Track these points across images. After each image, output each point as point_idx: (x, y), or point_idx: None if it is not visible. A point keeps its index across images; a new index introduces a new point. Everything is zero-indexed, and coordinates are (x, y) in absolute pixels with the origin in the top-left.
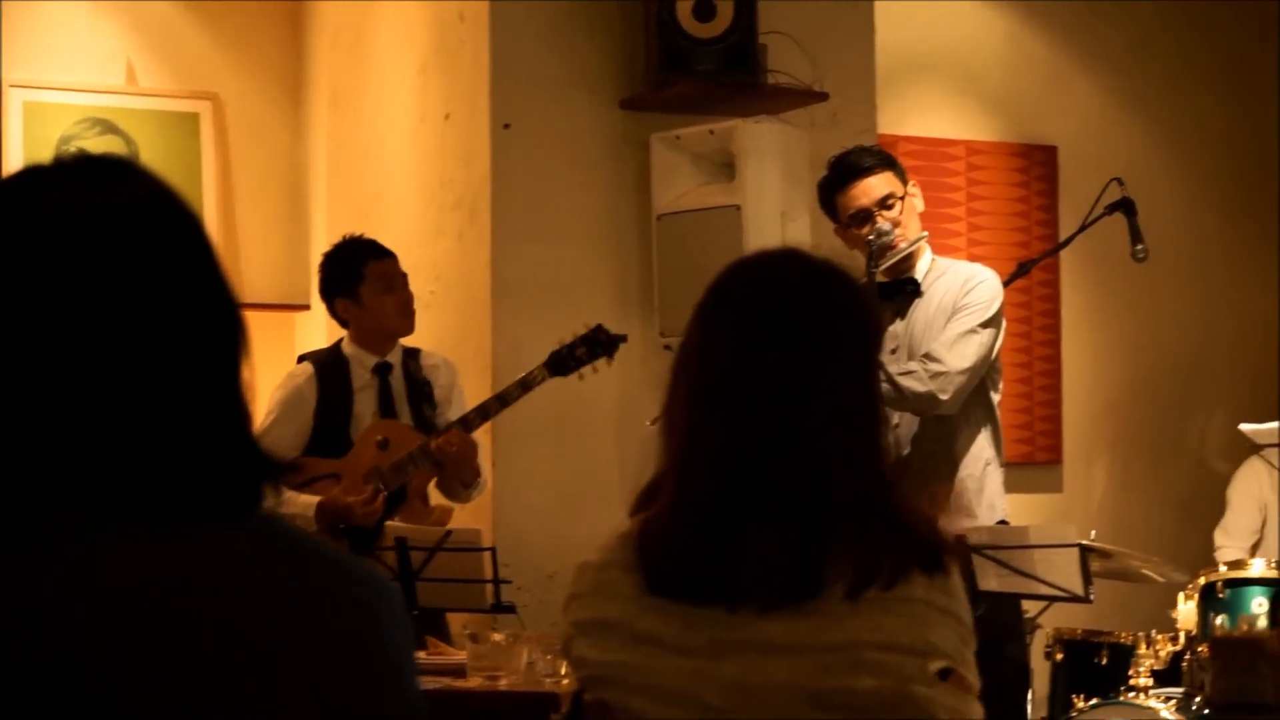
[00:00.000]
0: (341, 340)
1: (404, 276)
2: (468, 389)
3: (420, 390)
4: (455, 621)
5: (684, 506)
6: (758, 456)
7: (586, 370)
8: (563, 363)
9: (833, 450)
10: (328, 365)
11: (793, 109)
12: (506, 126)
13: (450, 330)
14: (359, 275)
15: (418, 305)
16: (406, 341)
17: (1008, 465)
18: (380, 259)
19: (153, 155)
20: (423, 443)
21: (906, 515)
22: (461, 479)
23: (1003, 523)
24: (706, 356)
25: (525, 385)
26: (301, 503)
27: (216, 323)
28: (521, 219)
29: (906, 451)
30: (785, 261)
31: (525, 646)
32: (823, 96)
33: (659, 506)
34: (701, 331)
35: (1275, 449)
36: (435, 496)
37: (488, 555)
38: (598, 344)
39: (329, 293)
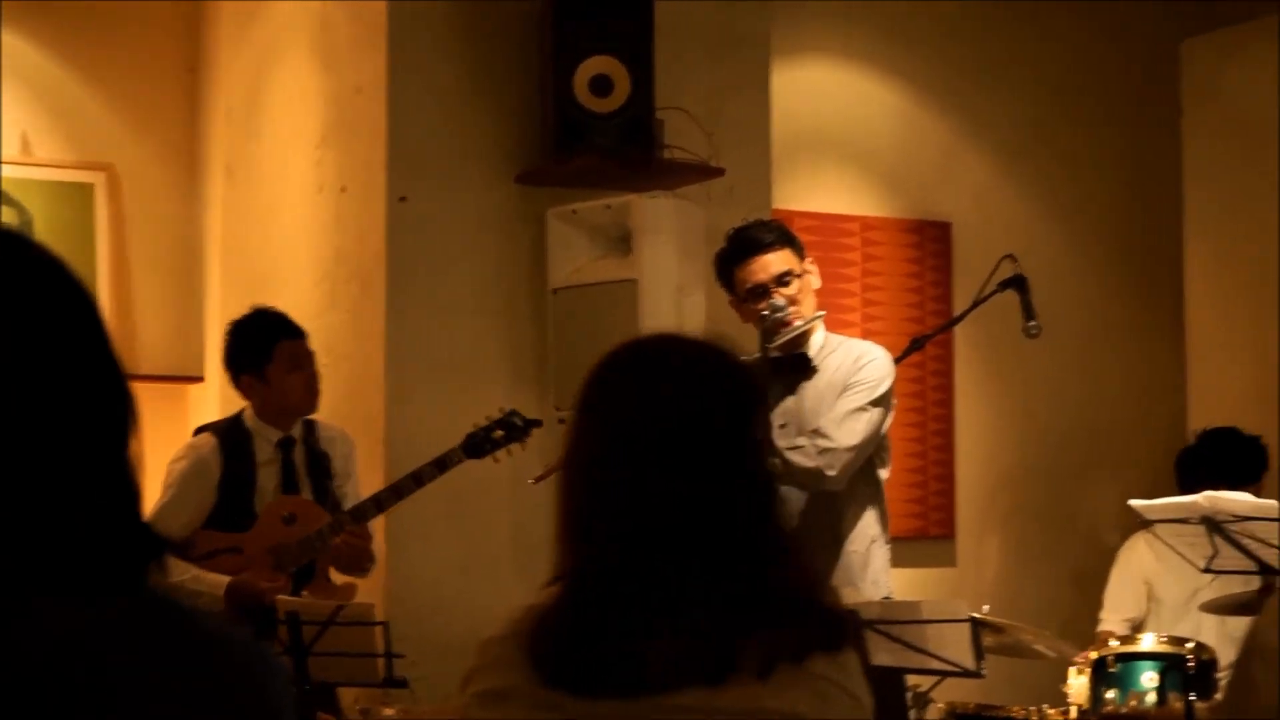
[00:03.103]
0: (243, 412)
1: (311, 355)
2: (360, 462)
3: (320, 464)
4: (347, 695)
5: (581, 599)
6: (657, 542)
7: (501, 454)
8: (479, 445)
9: (733, 531)
10: (230, 437)
11: (689, 184)
12: (403, 200)
13: (343, 403)
14: (267, 355)
15: None
16: None
17: (901, 539)
18: (292, 338)
19: (47, 226)
20: (330, 522)
21: (810, 592)
22: (354, 572)
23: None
24: (593, 442)
25: (441, 465)
26: (210, 582)
27: (103, 396)
28: (417, 292)
29: (793, 526)
30: (667, 344)
31: None
32: (719, 172)
33: (552, 599)
34: (588, 418)
35: (1163, 524)
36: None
37: (380, 629)
38: (514, 428)
39: (234, 366)
